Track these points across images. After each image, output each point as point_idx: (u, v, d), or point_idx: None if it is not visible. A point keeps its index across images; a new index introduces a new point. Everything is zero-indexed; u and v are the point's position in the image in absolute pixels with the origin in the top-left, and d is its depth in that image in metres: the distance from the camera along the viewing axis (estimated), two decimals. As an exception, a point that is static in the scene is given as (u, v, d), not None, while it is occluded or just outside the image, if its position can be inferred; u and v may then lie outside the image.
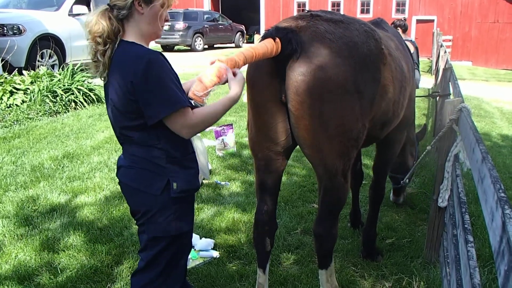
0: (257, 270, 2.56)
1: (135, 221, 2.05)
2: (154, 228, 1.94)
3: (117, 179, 2.04)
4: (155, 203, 1.90)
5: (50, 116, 6.93)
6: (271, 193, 2.45)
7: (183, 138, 1.88)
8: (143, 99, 1.76)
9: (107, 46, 1.79)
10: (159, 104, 1.75)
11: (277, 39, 2.07)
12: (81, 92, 7.61)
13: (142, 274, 2.01)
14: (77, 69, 7.97)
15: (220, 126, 5.55)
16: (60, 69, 8.41)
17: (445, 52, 9.60)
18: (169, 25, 19.22)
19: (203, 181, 4.51)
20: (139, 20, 1.83)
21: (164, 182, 1.87)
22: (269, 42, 2.07)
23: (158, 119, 1.77)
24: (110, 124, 1.98)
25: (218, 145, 5.49)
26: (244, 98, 2.01)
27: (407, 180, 3.66)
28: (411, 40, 6.26)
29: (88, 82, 7.96)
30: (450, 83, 5.35)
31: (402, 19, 6.31)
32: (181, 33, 20.21)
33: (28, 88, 7.18)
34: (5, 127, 6.17)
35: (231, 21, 23.89)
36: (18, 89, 7.12)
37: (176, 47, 21.51)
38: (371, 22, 3.01)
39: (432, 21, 23.73)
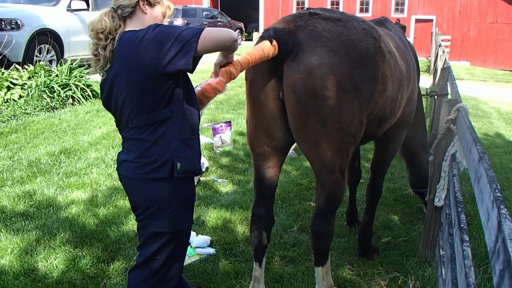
0: (253, 264, 2.57)
1: (135, 217, 2.05)
2: (155, 223, 1.95)
3: (117, 175, 2.04)
4: (159, 196, 1.91)
5: (48, 111, 6.91)
6: (268, 188, 2.47)
7: (193, 118, 1.93)
8: (171, 51, 1.78)
9: (108, 41, 1.87)
10: (188, 38, 1.78)
11: (274, 42, 2.08)
12: (78, 87, 7.58)
13: (140, 270, 2.02)
14: (75, 64, 7.95)
15: (219, 123, 5.56)
16: (58, 65, 8.37)
17: (444, 51, 9.60)
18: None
19: (200, 178, 4.51)
20: (141, 18, 1.95)
21: (169, 165, 1.88)
22: (265, 45, 2.08)
23: (194, 51, 1.78)
24: (115, 116, 1.98)
25: (216, 143, 5.49)
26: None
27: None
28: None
29: (86, 78, 7.94)
30: (448, 83, 5.35)
31: (397, 20, 6.32)
32: (180, 29, 20.12)
33: (26, 83, 7.16)
34: (2, 122, 6.14)
35: (230, 18, 23.83)
36: (15, 84, 7.09)
37: (174, 44, 21.43)
38: (374, 21, 3.01)
39: (431, 20, 23.73)
